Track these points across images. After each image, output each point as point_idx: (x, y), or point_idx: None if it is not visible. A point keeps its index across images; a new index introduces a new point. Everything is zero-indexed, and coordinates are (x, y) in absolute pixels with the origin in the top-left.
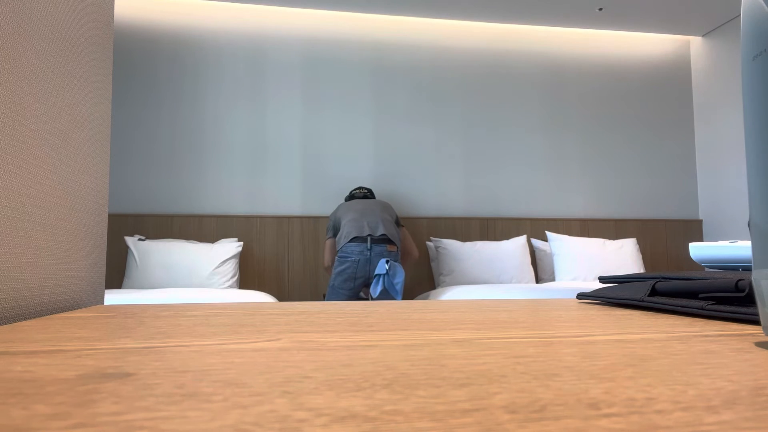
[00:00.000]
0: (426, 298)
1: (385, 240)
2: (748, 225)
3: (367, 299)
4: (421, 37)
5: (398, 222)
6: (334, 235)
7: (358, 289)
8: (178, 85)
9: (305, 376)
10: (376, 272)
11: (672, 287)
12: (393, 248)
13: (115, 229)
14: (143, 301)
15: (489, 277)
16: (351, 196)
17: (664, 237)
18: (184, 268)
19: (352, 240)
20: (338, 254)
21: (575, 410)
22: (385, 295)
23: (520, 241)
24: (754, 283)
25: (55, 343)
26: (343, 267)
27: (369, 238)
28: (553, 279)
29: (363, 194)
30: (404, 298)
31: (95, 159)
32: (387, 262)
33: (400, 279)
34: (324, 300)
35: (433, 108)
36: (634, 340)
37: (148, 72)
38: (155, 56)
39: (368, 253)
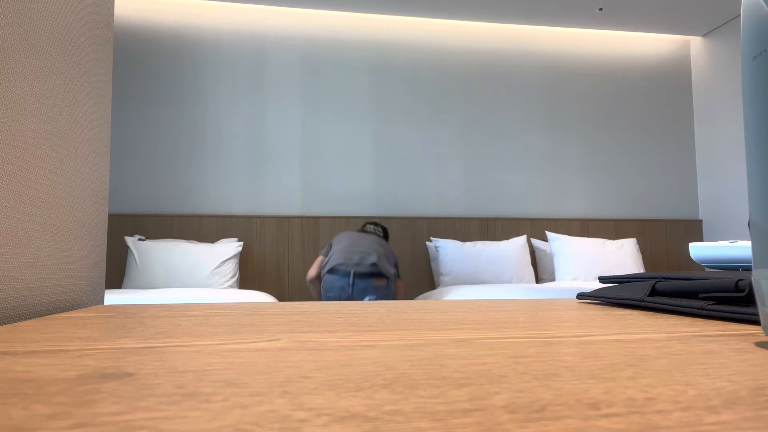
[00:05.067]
0: (426, 298)
1: (372, 273)
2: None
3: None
4: (421, 37)
5: (396, 266)
6: (326, 254)
7: None
8: (178, 85)
9: (305, 376)
10: None
11: (672, 287)
12: (381, 282)
13: (115, 229)
14: (143, 301)
15: (489, 277)
16: (362, 229)
17: (664, 237)
18: (184, 268)
19: (334, 269)
20: (322, 284)
21: (575, 410)
22: None
23: (520, 241)
24: (754, 283)
25: (55, 343)
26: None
27: (353, 272)
28: (553, 279)
29: (373, 230)
30: (404, 298)
31: (95, 159)
32: (370, 299)
33: None
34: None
35: (433, 108)
36: (634, 340)
37: (149, 72)
38: (155, 56)
39: (350, 290)
